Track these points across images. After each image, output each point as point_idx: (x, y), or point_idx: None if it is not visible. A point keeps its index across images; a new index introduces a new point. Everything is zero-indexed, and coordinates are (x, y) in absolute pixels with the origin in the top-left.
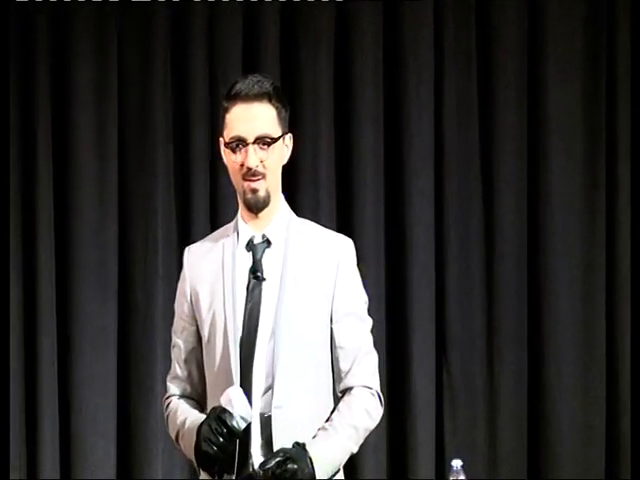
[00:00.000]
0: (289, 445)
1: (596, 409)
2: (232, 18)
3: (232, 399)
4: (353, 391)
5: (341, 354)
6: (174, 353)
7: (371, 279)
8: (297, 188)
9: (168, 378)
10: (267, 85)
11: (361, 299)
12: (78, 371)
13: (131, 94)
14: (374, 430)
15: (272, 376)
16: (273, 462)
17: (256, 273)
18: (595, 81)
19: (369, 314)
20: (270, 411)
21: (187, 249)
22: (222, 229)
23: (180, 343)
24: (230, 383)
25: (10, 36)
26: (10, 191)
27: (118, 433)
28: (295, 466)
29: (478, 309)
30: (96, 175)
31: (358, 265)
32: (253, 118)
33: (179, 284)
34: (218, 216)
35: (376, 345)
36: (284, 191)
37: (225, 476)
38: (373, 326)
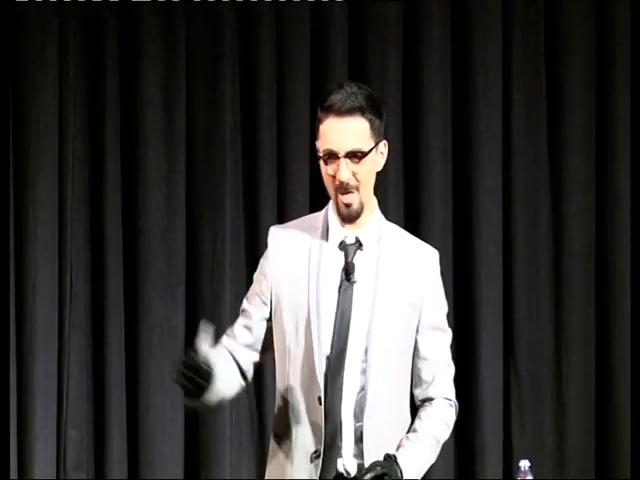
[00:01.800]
0: (378, 454)
1: None
2: (300, 18)
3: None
4: (434, 402)
5: (424, 365)
6: (242, 316)
7: None
8: None
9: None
10: (360, 99)
11: (445, 311)
12: (146, 371)
13: (199, 95)
14: None
15: (365, 380)
16: (369, 476)
17: (349, 274)
18: None
19: None
20: (361, 421)
21: (272, 229)
22: (309, 218)
23: (250, 313)
24: (313, 380)
25: (79, 37)
26: (78, 191)
27: (186, 433)
28: None
29: (546, 309)
30: (164, 175)
31: None
32: (345, 132)
33: (261, 260)
34: (285, 214)
35: None
36: None
37: None
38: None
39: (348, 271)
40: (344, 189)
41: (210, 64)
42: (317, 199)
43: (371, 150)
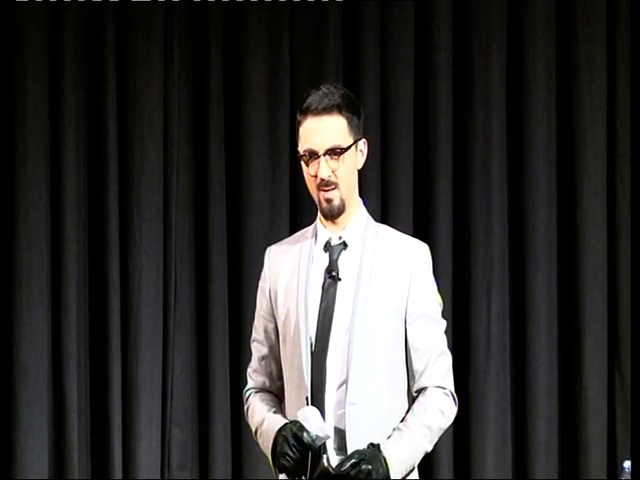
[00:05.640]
0: (362, 441)
1: None
2: (404, 18)
3: (309, 419)
4: (427, 391)
5: (415, 355)
6: (254, 347)
7: (543, 280)
8: (469, 189)
9: (249, 371)
10: (336, 97)
11: (435, 302)
12: None
13: (303, 93)
14: (545, 430)
15: (346, 372)
16: (348, 464)
17: (332, 273)
18: None
19: (540, 313)
20: (343, 408)
21: (268, 249)
22: (301, 232)
23: (260, 338)
24: (302, 378)
25: (183, 37)
26: (183, 191)
27: None
28: (370, 466)
29: None
30: (268, 175)
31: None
32: (323, 131)
33: (259, 283)
34: (389, 214)
35: (549, 346)
36: (457, 192)
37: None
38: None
39: (331, 269)
40: (325, 185)
41: (314, 64)
42: (421, 196)
43: (350, 147)
